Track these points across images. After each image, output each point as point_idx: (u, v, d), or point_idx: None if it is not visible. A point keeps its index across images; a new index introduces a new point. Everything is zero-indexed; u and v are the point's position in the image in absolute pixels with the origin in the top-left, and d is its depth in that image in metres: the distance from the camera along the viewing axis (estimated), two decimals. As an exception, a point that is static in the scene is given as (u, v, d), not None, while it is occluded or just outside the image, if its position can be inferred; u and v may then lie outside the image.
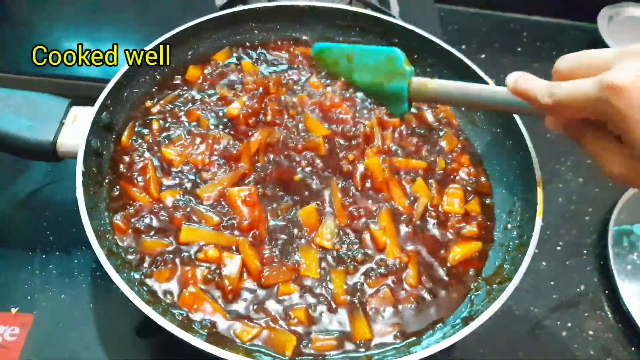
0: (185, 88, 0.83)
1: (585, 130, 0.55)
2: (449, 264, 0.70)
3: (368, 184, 0.73)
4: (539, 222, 0.69)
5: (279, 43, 0.91)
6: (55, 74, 0.91)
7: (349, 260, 0.67)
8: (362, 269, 0.67)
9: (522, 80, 0.58)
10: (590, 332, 0.84)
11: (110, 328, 0.73)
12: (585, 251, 0.93)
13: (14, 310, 0.72)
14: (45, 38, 1.00)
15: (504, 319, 0.83)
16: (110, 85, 0.71)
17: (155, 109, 0.79)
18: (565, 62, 0.55)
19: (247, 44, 0.90)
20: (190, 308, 0.61)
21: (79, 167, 0.63)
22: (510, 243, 0.72)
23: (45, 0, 1.08)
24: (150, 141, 0.75)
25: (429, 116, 0.86)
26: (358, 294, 0.65)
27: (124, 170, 0.72)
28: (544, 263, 0.91)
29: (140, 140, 0.75)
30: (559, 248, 0.93)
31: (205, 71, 0.85)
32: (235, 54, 0.88)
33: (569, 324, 0.85)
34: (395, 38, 0.89)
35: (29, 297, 0.74)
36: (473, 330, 0.78)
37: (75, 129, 0.67)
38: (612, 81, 0.47)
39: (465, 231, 0.74)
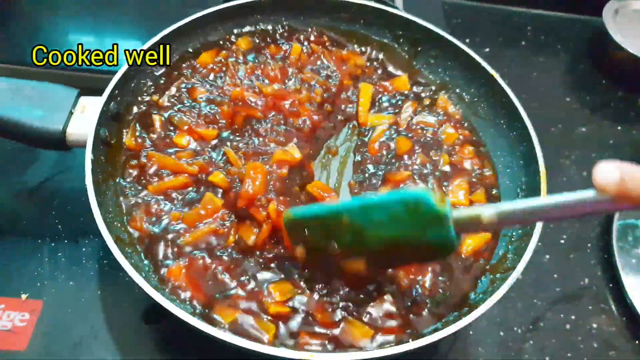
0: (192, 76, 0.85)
1: None
2: (462, 255, 0.71)
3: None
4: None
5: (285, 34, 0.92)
6: (64, 66, 0.92)
7: None
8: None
9: (629, 179, 0.40)
10: (594, 326, 0.84)
11: (118, 315, 0.74)
12: (589, 245, 0.93)
13: (24, 296, 0.73)
14: (49, 32, 1.01)
15: (507, 311, 0.83)
16: (118, 76, 0.72)
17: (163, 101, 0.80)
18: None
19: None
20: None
21: (88, 156, 0.65)
22: (514, 233, 0.72)
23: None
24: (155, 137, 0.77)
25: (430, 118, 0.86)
26: None
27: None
28: (547, 256, 0.91)
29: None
30: (562, 241, 0.93)
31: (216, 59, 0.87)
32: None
33: (573, 317, 0.85)
34: (399, 30, 0.89)
35: (38, 284, 0.76)
36: (477, 321, 0.81)
37: (84, 119, 0.69)
38: None
39: None
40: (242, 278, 0.65)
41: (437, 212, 0.52)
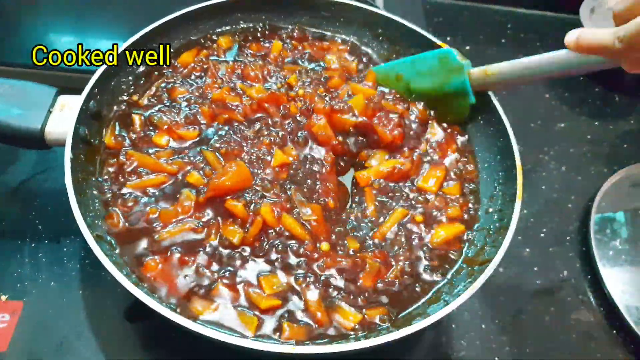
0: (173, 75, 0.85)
1: None
2: (431, 246, 0.72)
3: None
4: (518, 205, 0.70)
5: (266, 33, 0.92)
6: (37, 65, 0.91)
7: None
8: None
9: (584, 36, 0.57)
10: (573, 317, 0.86)
11: (100, 314, 0.74)
12: (568, 238, 0.95)
13: (3, 297, 0.73)
14: (32, 31, 1.00)
15: (488, 304, 0.85)
16: (97, 74, 0.72)
17: (143, 100, 0.80)
18: (623, 2, 0.53)
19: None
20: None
21: (67, 154, 0.64)
22: (492, 226, 0.73)
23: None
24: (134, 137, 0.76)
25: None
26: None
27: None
28: (527, 250, 0.93)
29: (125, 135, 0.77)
30: (542, 235, 0.95)
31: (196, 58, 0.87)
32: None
33: (552, 310, 0.86)
34: (379, 29, 0.90)
35: (18, 285, 0.75)
36: (459, 315, 0.82)
37: (63, 117, 0.68)
38: None
39: (450, 211, 0.75)
40: (223, 272, 0.65)
41: (458, 63, 0.77)
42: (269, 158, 0.73)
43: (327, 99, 0.80)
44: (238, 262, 0.66)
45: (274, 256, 0.67)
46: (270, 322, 0.62)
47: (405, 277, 0.68)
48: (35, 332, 0.71)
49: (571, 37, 0.60)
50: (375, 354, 0.58)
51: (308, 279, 0.65)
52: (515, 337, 0.82)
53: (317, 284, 0.65)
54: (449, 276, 0.70)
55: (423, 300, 0.67)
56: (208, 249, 0.66)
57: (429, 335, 0.80)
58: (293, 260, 0.67)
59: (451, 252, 0.72)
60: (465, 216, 0.76)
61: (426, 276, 0.69)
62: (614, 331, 0.85)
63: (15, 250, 0.78)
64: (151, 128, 0.76)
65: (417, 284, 0.68)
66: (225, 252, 0.66)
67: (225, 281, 0.64)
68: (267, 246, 0.67)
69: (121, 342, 0.72)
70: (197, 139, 0.76)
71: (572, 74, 0.73)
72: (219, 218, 0.68)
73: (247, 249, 0.67)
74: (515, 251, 0.92)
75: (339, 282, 0.66)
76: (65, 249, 0.79)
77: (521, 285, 0.88)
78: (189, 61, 0.86)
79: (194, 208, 0.68)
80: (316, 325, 0.62)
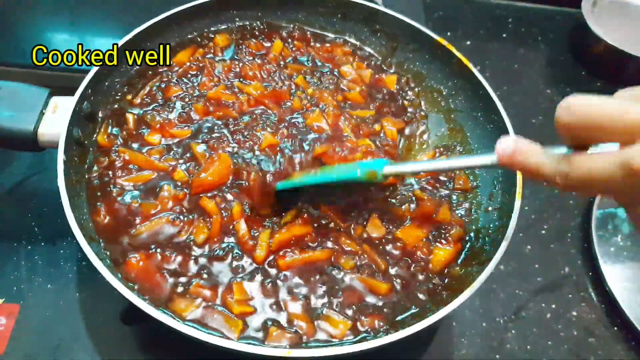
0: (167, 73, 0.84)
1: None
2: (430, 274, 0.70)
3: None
4: (517, 204, 0.69)
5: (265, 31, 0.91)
6: (34, 65, 0.90)
7: None
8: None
9: (519, 154, 0.47)
10: (574, 314, 0.85)
11: (97, 316, 0.73)
12: (569, 235, 0.94)
13: (0, 300, 0.72)
14: (25, 29, 0.99)
15: (489, 302, 0.84)
16: (90, 74, 0.71)
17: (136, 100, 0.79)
18: (572, 114, 0.42)
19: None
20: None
21: (60, 157, 0.63)
22: (491, 225, 0.72)
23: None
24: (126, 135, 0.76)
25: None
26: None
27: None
28: (528, 247, 0.92)
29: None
30: (543, 232, 0.94)
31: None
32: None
33: (553, 306, 0.86)
34: (377, 24, 0.89)
35: (15, 288, 0.74)
36: (460, 313, 0.81)
37: (55, 119, 0.67)
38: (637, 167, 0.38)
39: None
40: (202, 272, 0.65)
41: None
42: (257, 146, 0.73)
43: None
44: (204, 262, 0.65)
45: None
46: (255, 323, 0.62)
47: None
48: (32, 335, 0.71)
49: (505, 148, 0.48)
50: (373, 355, 0.58)
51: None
52: (517, 334, 0.82)
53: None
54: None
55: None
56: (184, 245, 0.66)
57: (430, 334, 0.79)
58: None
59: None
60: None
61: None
62: (615, 327, 0.84)
63: (12, 253, 0.78)
64: (144, 127, 0.76)
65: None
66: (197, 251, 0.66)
67: (201, 282, 0.63)
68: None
69: (118, 344, 0.72)
70: (189, 136, 0.76)
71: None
72: (195, 215, 0.68)
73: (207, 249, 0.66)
74: (516, 248, 0.91)
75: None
76: (61, 251, 0.79)
77: (522, 282, 0.88)
78: (184, 60, 0.85)
79: (174, 203, 0.68)
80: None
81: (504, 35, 1.27)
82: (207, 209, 0.68)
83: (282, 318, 0.62)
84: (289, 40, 0.90)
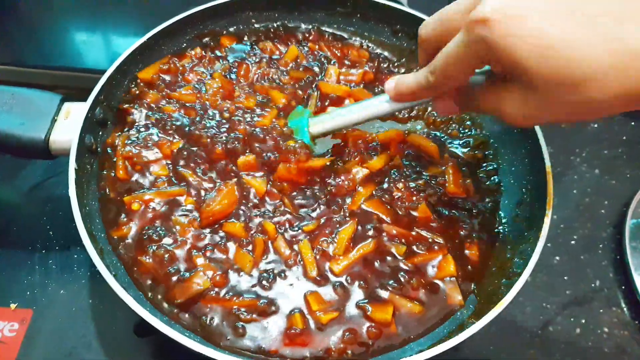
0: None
1: (474, 92, 0.54)
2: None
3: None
4: (549, 215, 0.66)
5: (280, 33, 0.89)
6: (49, 66, 0.90)
7: None
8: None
9: (399, 83, 0.59)
10: (605, 330, 0.82)
11: (109, 325, 0.73)
12: (600, 245, 0.90)
13: (13, 305, 0.73)
14: (40, 29, 0.99)
15: (515, 315, 0.81)
16: (103, 80, 0.70)
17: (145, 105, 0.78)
18: (427, 28, 0.55)
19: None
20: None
21: (72, 165, 0.62)
22: (519, 235, 0.69)
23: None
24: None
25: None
26: None
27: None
28: (557, 258, 0.88)
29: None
30: (573, 242, 0.90)
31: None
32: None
33: (583, 321, 0.82)
34: (397, 24, 0.87)
35: (28, 293, 0.74)
36: (483, 327, 0.78)
37: (68, 126, 0.66)
38: (476, 17, 0.44)
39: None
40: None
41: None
42: None
43: None
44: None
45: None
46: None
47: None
48: (44, 342, 0.71)
49: (389, 87, 0.60)
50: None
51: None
52: (543, 350, 0.78)
53: None
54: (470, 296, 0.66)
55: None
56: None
57: (453, 348, 0.77)
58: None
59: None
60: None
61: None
62: (650, 346, 0.80)
63: (26, 257, 0.78)
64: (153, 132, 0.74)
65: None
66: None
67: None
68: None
69: (130, 355, 0.71)
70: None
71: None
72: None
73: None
74: (544, 259, 0.86)
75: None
76: (75, 256, 0.78)
77: (550, 295, 0.84)
78: (193, 61, 0.83)
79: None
80: None
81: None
82: (235, 233, 0.66)
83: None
84: (305, 43, 0.88)
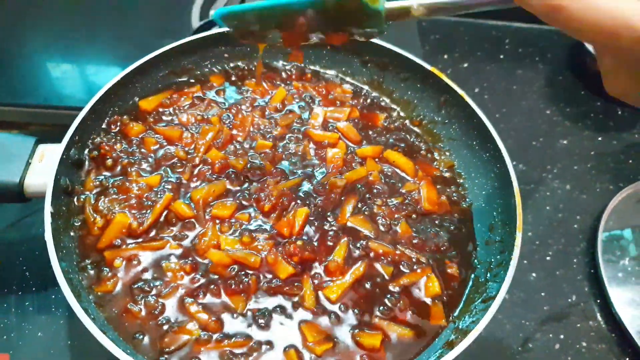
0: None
1: None
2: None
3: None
4: (519, 237, 0.67)
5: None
6: (21, 103, 0.90)
7: None
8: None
9: None
10: (584, 344, 0.83)
11: (88, 366, 0.72)
12: (575, 260, 0.92)
13: (-11, 351, 0.71)
14: (12, 65, 0.99)
15: (495, 333, 0.82)
16: (78, 120, 0.70)
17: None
18: None
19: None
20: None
21: (47, 209, 0.62)
22: (492, 259, 0.70)
23: (12, 23, 1.07)
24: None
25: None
26: None
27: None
28: (533, 274, 0.90)
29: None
30: (548, 258, 0.92)
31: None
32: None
33: (562, 336, 0.83)
34: (367, 55, 0.88)
35: (4, 337, 0.73)
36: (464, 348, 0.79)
37: (42, 168, 0.66)
38: None
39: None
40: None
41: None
42: None
43: None
44: None
45: None
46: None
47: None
48: (22, 386, 0.69)
49: None
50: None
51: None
52: (525, 367, 0.79)
53: None
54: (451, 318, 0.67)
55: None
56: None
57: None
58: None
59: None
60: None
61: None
62: (627, 358, 0.81)
63: (1, 300, 0.76)
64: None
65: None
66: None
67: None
68: None
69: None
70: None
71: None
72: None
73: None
74: (521, 276, 0.89)
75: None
76: (52, 296, 0.77)
77: (529, 312, 0.85)
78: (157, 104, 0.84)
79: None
80: None
81: (502, 57, 1.26)
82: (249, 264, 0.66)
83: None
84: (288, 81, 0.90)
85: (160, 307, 0.62)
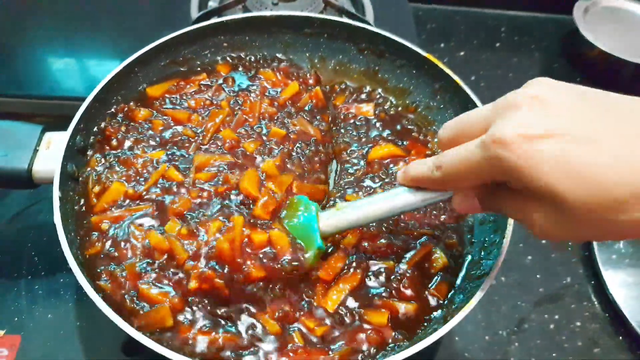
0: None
1: (500, 194, 0.50)
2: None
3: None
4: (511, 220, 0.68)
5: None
6: (26, 95, 0.92)
7: None
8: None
9: (409, 168, 0.56)
10: (578, 324, 0.85)
11: (97, 346, 0.74)
12: (569, 243, 0.94)
13: (1, 332, 0.73)
14: (16, 58, 1.01)
15: (491, 315, 0.84)
16: (82, 108, 0.71)
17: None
18: (446, 130, 0.52)
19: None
20: None
21: (56, 193, 0.64)
22: (486, 238, 0.72)
23: (15, 17, 1.09)
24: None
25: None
26: None
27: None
28: (529, 257, 0.91)
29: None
30: (543, 242, 0.93)
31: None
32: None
33: (556, 317, 0.85)
34: (362, 42, 0.89)
35: (16, 319, 0.75)
36: (462, 327, 0.81)
37: (50, 155, 0.68)
38: (496, 137, 0.42)
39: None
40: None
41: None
42: None
43: None
44: None
45: None
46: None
47: None
48: (34, 367, 0.72)
49: (399, 172, 0.59)
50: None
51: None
52: (520, 347, 0.81)
53: None
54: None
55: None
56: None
57: (432, 350, 0.79)
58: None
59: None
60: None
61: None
62: (620, 337, 0.83)
63: (12, 283, 0.79)
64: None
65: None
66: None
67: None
68: None
69: (118, 375, 0.72)
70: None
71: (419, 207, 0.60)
72: None
73: None
74: (516, 259, 0.90)
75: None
76: (61, 280, 0.79)
77: (524, 293, 0.87)
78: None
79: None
80: None
81: (498, 45, 1.27)
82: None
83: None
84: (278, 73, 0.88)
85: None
